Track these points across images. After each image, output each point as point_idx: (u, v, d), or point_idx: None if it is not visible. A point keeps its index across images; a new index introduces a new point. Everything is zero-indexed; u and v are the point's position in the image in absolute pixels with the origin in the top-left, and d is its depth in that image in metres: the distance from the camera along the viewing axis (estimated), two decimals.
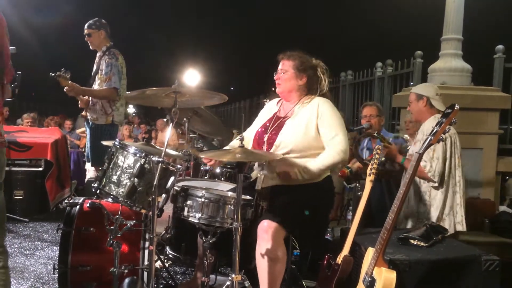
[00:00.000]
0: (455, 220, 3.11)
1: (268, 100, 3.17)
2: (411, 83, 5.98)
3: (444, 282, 2.32)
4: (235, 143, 2.94)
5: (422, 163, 3.02)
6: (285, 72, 2.72)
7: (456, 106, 1.97)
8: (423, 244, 2.47)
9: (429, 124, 3.15)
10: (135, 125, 12.35)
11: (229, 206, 2.45)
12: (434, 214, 3.10)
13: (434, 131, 1.98)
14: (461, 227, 3.11)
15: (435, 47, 5.02)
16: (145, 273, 2.53)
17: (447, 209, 3.10)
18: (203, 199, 2.43)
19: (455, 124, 2.00)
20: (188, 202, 2.48)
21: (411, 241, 2.51)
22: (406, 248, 2.44)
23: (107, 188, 2.37)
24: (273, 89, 2.84)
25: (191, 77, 19.35)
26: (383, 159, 3.27)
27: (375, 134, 3.51)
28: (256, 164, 2.74)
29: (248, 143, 2.85)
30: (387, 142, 3.32)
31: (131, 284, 1.89)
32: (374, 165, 2.49)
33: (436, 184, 3.06)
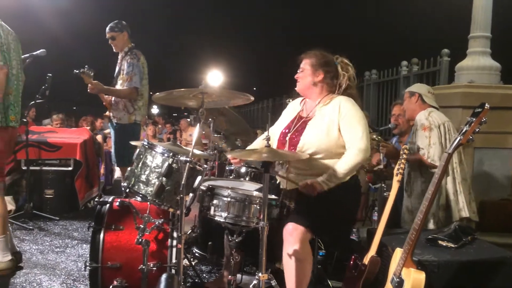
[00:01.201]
0: (458, 207, 3.18)
1: (291, 100, 3.17)
2: (438, 82, 5.89)
3: (474, 284, 2.29)
4: (259, 142, 2.95)
5: (420, 152, 3.18)
6: (303, 70, 2.77)
7: (487, 105, 1.93)
8: (452, 245, 2.44)
9: (422, 115, 3.28)
10: (160, 126, 12.52)
11: (255, 205, 2.46)
12: (439, 203, 3.17)
13: (463, 131, 1.95)
14: (465, 213, 3.18)
15: (462, 45, 4.93)
16: (173, 271, 2.58)
17: (451, 195, 3.18)
18: (229, 199, 2.46)
19: (485, 123, 1.95)
20: (215, 202, 2.50)
21: (440, 242, 2.48)
22: (434, 249, 2.41)
23: (136, 187, 2.42)
24: (295, 88, 2.85)
25: (214, 77, 19.47)
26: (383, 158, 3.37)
27: (375, 137, 3.50)
28: (276, 163, 2.76)
29: (272, 143, 2.85)
30: (384, 142, 3.52)
31: (168, 279, 1.93)
32: (402, 165, 2.47)
33: None
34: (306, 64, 2.76)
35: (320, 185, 2.45)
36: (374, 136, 3.53)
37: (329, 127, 2.57)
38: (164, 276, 2.00)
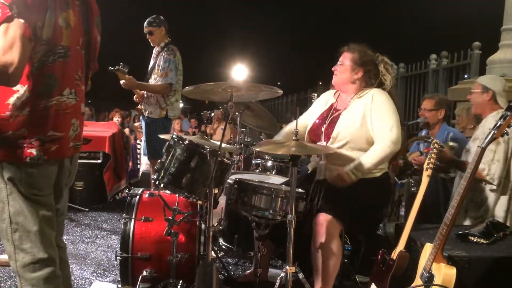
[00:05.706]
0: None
1: (316, 95, 3.15)
2: (466, 76, 5.77)
3: (506, 280, 2.24)
4: (285, 134, 2.89)
5: (480, 166, 2.78)
6: (342, 64, 2.71)
7: None
8: (484, 241, 2.40)
9: (492, 120, 2.96)
10: (182, 120, 12.67)
11: (281, 198, 2.47)
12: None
13: (498, 125, 1.92)
14: None
15: (494, 37, 4.81)
16: (201, 263, 2.61)
17: (502, 212, 2.90)
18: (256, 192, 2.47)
19: None
20: (241, 195, 2.52)
21: (471, 237, 2.43)
22: (465, 244, 2.37)
23: (165, 179, 2.46)
24: (332, 81, 2.80)
25: (239, 71, 19.45)
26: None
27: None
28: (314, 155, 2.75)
29: (301, 135, 2.82)
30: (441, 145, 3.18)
31: (207, 267, 1.98)
32: (432, 160, 2.43)
33: (494, 187, 2.87)
34: (346, 59, 2.70)
35: (348, 175, 2.45)
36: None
37: (363, 118, 2.56)
38: (202, 265, 2.05)
